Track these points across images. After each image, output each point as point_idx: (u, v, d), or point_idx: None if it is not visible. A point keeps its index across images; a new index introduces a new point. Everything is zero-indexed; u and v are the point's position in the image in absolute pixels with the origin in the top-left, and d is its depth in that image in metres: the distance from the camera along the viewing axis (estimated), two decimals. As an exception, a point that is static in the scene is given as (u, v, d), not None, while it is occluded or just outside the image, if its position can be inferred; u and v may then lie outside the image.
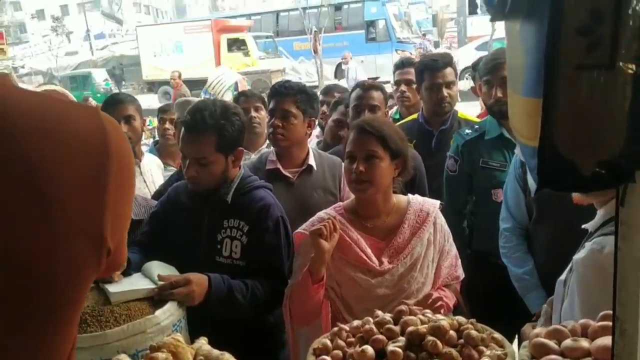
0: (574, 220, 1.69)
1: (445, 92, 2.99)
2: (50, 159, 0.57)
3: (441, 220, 2.02)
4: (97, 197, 0.61)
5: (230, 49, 21.87)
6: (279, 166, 2.52)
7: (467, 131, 2.76)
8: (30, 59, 35.03)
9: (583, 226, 1.60)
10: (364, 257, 1.90)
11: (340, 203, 2.12)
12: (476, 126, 2.79)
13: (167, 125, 3.56)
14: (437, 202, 2.07)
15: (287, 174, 2.52)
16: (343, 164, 2.46)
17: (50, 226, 0.57)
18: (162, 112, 3.70)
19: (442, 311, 1.76)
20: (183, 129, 2.06)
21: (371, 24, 22.50)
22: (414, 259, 1.93)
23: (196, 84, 21.78)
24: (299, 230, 2.01)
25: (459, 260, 2.08)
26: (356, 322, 1.53)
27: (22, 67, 31.82)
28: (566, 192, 1.59)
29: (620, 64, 0.62)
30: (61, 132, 0.59)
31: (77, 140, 0.60)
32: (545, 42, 0.64)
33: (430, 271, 1.96)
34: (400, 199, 2.04)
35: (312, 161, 2.56)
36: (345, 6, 23.80)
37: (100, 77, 22.94)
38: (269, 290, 2.02)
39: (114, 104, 3.00)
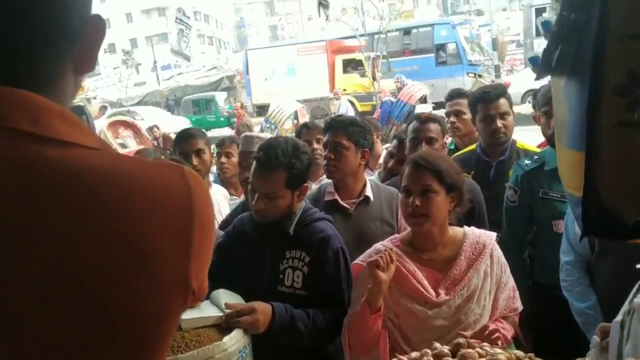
0: (638, 254, 1.66)
1: (499, 123, 2.98)
2: (144, 222, 0.66)
3: (498, 252, 2.03)
4: (184, 252, 0.69)
5: (345, 70, 21.32)
6: (337, 197, 2.60)
7: (527, 162, 2.75)
8: (102, 90, 37.00)
9: (638, 266, 1.58)
10: (421, 288, 1.93)
11: (397, 235, 2.17)
12: (535, 157, 2.78)
13: (223, 159, 3.68)
14: (494, 234, 2.08)
15: (344, 205, 2.59)
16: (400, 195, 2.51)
17: (146, 280, 0.66)
18: (218, 146, 3.86)
19: (499, 343, 1.77)
20: (255, 163, 2.16)
21: (441, 47, 21.84)
22: (471, 291, 1.94)
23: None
24: (356, 261, 2.07)
25: (517, 292, 2.07)
26: (414, 354, 1.57)
27: (95, 97, 33.62)
28: (610, 239, 1.58)
29: (659, 121, 0.66)
30: (153, 197, 0.67)
31: (167, 203, 0.68)
32: (587, 101, 0.69)
33: (488, 303, 1.97)
34: (456, 231, 2.06)
35: (369, 192, 2.62)
36: (414, 30, 23.37)
37: (222, 100, 23.03)
38: (329, 319, 2.08)
39: (187, 138, 3.21)
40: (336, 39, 23.35)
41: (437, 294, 1.94)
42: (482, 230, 2.09)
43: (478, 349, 1.53)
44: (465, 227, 2.09)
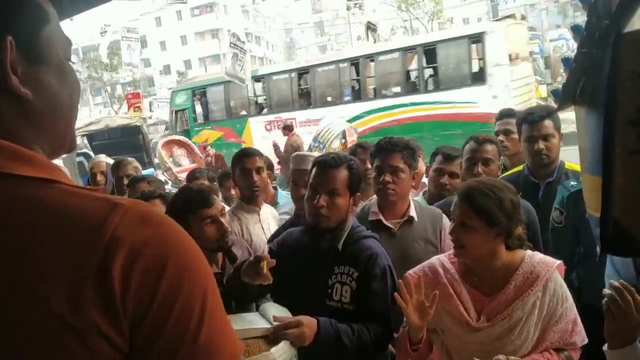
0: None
1: (542, 144, 2.98)
2: (40, 244, 0.71)
3: (554, 284, 1.93)
4: (68, 282, 0.70)
5: None
6: (381, 217, 2.64)
7: (572, 183, 2.75)
8: (156, 110, 38.22)
9: None
10: (462, 309, 1.95)
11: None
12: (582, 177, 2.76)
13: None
14: (554, 264, 1.96)
15: (388, 224, 2.63)
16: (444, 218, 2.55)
17: (25, 289, 0.70)
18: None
19: None
20: (317, 167, 2.28)
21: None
22: (513, 322, 1.89)
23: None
24: (409, 272, 2.11)
25: (580, 327, 1.94)
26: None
27: (150, 117, 34.75)
28: (628, 257, 1.60)
29: (668, 150, 0.72)
30: (59, 223, 0.72)
31: (67, 231, 0.72)
32: (603, 131, 0.76)
33: (532, 335, 1.89)
34: (515, 256, 1.99)
35: (413, 212, 2.65)
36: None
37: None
38: (374, 335, 2.12)
39: (248, 156, 3.37)
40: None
41: (479, 319, 1.94)
42: (542, 259, 1.98)
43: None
44: (528, 252, 2.01)
